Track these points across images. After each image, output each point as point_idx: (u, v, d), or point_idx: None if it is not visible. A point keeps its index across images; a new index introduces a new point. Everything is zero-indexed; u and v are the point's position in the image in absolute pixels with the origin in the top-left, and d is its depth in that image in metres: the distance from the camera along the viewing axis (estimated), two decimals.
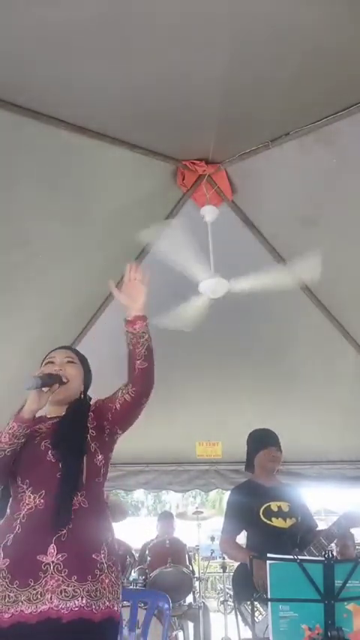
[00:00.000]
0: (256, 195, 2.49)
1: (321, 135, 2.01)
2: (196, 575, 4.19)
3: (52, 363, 1.72)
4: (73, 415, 1.64)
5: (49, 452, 1.53)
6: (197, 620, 3.83)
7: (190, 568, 3.88)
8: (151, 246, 2.74)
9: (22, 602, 1.34)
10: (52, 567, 1.37)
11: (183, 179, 2.36)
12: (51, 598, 1.33)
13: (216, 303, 2.40)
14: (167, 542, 3.92)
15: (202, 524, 5.19)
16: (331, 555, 1.65)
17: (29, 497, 1.46)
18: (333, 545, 4.93)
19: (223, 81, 1.79)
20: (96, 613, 1.37)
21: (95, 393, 1.73)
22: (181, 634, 3.99)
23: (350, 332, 3.27)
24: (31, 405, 1.53)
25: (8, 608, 1.34)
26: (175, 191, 2.47)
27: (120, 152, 2.12)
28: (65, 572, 1.37)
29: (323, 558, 1.65)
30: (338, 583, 1.60)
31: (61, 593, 1.34)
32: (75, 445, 1.55)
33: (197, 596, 4.12)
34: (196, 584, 4.08)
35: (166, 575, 3.61)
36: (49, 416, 1.69)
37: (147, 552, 3.84)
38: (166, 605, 2.61)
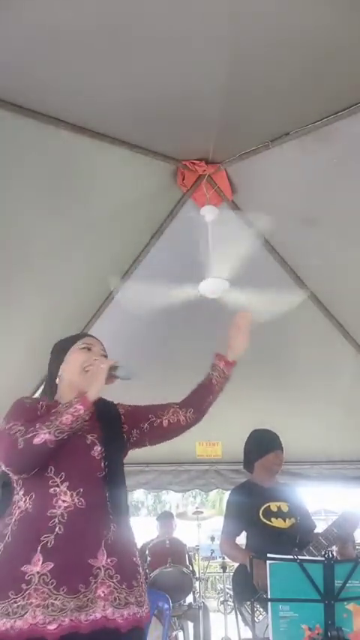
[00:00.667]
0: (256, 195, 2.49)
1: (321, 134, 2.01)
2: (196, 575, 4.19)
3: (89, 350, 1.62)
4: (110, 414, 1.57)
5: (96, 447, 1.44)
6: (197, 620, 3.83)
7: (190, 568, 3.88)
8: (151, 246, 2.75)
9: (70, 610, 1.20)
10: (102, 572, 1.27)
11: (183, 179, 2.36)
12: (104, 606, 1.24)
13: (215, 301, 2.40)
14: (167, 542, 3.92)
15: (202, 524, 5.19)
16: (331, 555, 1.65)
17: (65, 493, 1.33)
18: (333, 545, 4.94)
19: (223, 81, 1.79)
20: (143, 620, 1.33)
21: None
22: (181, 634, 3.99)
23: (350, 332, 3.27)
24: (99, 391, 1.43)
25: (54, 618, 1.18)
26: (175, 191, 2.47)
27: (120, 152, 2.12)
28: (117, 577, 1.29)
29: (323, 558, 1.64)
30: (338, 583, 1.60)
31: (114, 600, 1.26)
32: (120, 445, 1.51)
33: (197, 596, 4.11)
34: (196, 584, 4.08)
35: (166, 575, 3.61)
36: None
37: (147, 552, 3.84)
38: (166, 605, 2.61)
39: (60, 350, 1.66)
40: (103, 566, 1.28)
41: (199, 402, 1.63)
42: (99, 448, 1.44)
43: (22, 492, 1.37)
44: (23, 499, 1.36)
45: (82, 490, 1.35)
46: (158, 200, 2.53)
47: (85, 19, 1.57)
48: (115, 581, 1.28)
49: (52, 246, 2.55)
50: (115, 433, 1.51)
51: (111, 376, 1.48)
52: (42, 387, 3.53)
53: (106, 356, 1.65)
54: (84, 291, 2.98)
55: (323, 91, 1.86)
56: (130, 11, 1.55)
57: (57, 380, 1.62)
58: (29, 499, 1.35)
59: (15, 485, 1.41)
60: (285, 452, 4.39)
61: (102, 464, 1.43)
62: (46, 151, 2.06)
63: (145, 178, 2.37)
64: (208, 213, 2.37)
